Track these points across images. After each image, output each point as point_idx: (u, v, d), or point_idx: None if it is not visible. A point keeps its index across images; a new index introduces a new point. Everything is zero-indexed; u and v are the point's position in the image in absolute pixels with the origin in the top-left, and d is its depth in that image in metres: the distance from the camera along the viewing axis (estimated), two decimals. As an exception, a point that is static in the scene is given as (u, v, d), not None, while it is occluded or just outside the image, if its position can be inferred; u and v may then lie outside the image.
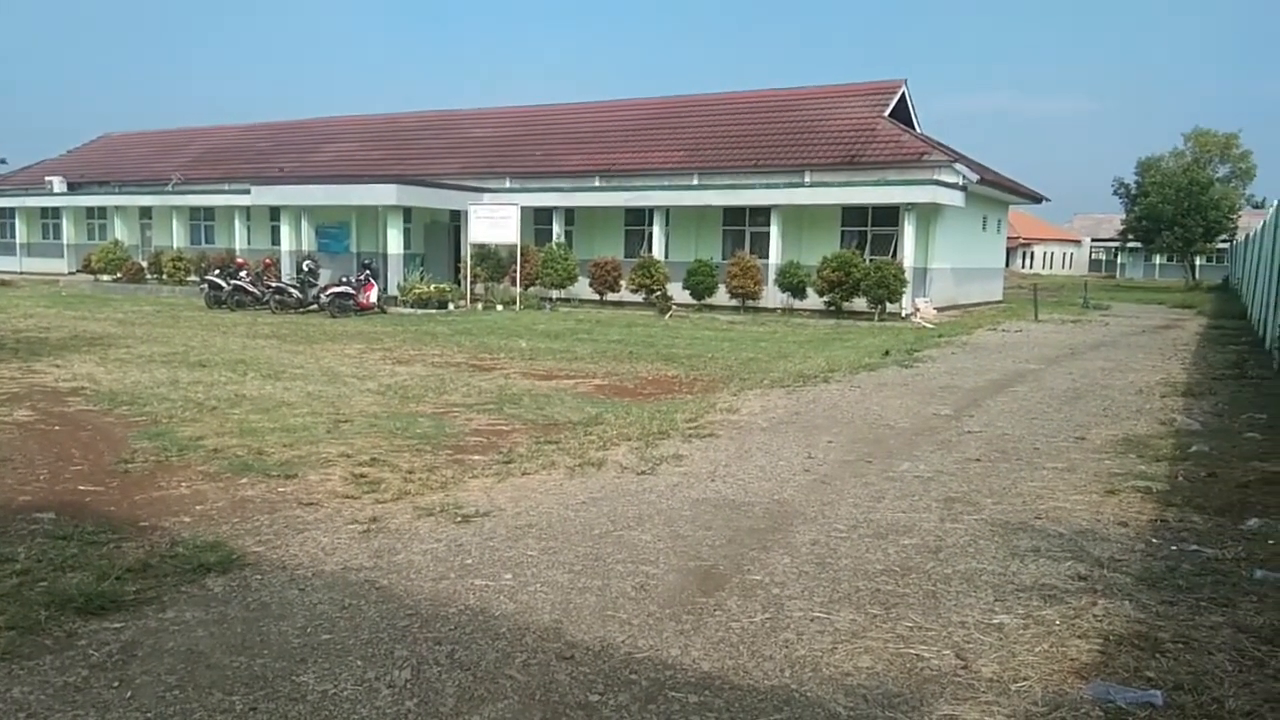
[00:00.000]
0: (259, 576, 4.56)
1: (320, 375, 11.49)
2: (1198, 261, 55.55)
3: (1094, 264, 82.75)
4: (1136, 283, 62.04)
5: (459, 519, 5.48)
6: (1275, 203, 17.54)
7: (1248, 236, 32.35)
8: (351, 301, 21.36)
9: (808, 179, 25.31)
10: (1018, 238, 67.17)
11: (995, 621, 4.07)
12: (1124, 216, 54.71)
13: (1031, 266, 79.65)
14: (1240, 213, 51.92)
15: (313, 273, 23.10)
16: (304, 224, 28.50)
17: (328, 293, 21.48)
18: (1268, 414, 8.94)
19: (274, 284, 22.83)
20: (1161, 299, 37.01)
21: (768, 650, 3.81)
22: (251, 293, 22.78)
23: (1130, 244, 58.67)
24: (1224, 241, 52.92)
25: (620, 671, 3.60)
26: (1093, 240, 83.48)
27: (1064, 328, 21.39)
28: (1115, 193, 54.78)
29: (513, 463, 6.97)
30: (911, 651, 3.78)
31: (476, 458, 7.19)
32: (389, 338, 16.44)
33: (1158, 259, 65.62)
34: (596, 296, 26.20)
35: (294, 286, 22.61)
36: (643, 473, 6.70)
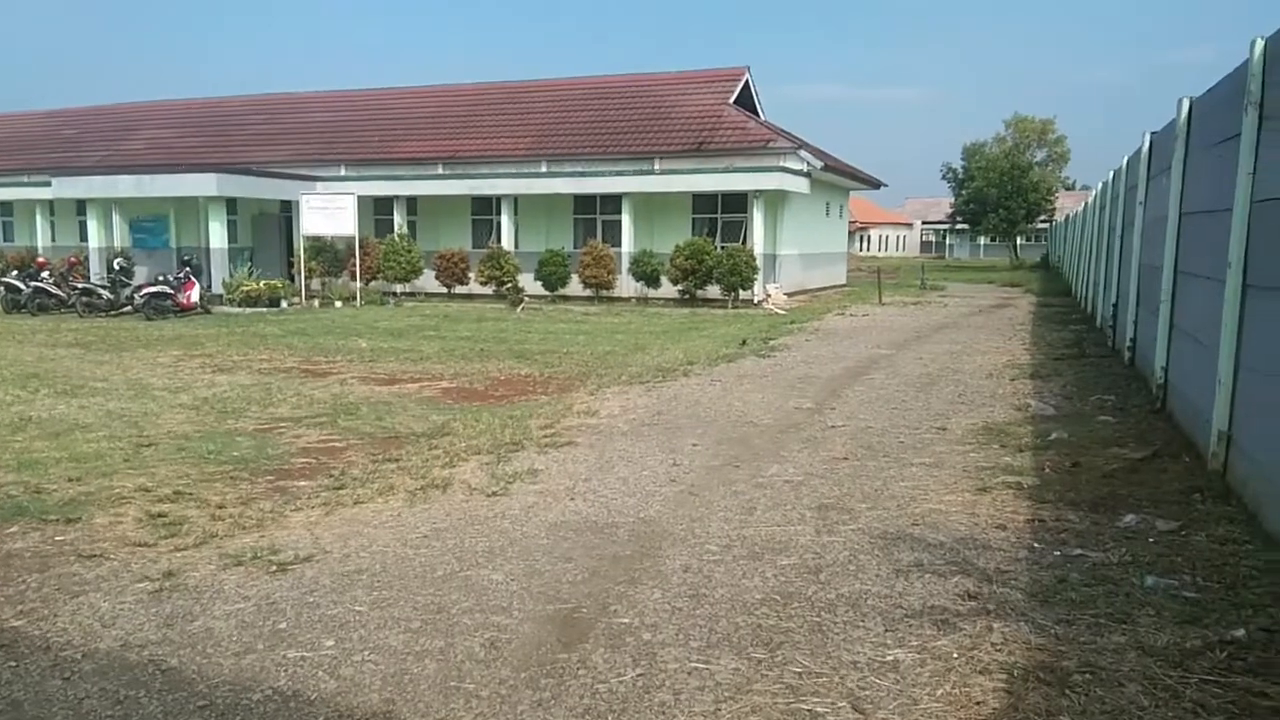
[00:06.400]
0: (13, 664, 3.67)
1: (125, 389, 10.21)
2: (1019, 241, 58.95)
3: (925, 245, 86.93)
4: (965, 262, 65.49)
5: (274, 568, 4.67)
6: (1098, 185, 18.38)
7: (1068, 217, 34.31)
8: (170, 302, 19.57)
9: (658, 166, 24.99)
10: (855, 221, 69.58)
11: (889, 658, 3.66)
12: (952, 200, 57.40)
13: (868, 249, 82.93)
14: (1058, 194, 55.27)
15: (125, 271, 21.06)
16: (115, 218, 26.02)
17: (143, 293, 19.55)
18: (1114, 395, 9.09)
19: (81, 285, 20.75)
20: (990, 278, 38.95)
21: (642, 719, 3.25)
22: (55, 295, 20.65)
23: (959, 226, 61.67)
24: (1044, 222, 56.25)
25: (466, 766, 2.96)
26: (923, 223, 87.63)
27: (907, 310, 21.93)
28: (944, 177, 57.43)
29: (344, 488, 6.17)
30: (804, 706, 3.31)
31: (302, 484, 6.34)
32: (211, 341, 15.01)
33: (983, 240, 69.38)
34: (444, 290, 25.12)
35: (104, 287, 20.55)
36: (494, 494, 6.04)
